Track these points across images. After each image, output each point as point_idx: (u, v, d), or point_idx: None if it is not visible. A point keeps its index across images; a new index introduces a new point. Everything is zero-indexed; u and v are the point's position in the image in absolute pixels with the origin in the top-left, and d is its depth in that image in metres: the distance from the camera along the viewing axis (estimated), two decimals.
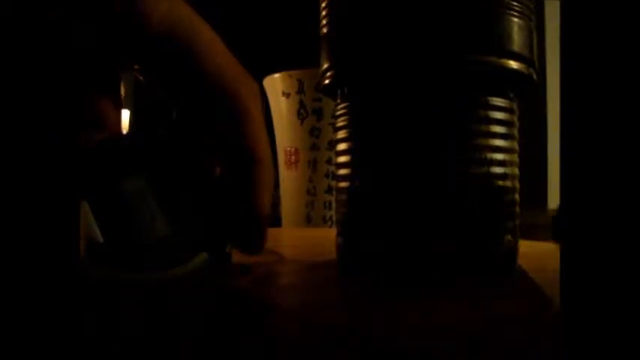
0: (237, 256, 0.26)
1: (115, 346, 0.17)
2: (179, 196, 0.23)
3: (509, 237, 0.30)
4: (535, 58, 0.31)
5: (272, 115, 0.70)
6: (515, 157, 0.31)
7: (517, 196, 0.31)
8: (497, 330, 0.19)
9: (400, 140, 0.29)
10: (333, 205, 0.63)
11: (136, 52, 0.23)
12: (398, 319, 0.20)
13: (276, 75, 0.68)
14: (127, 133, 0.27)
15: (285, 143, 0.69)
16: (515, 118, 0.31)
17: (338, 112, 0.33)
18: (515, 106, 0.31)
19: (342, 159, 0.32)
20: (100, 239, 0.22)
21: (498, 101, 0.30)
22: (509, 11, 0.29)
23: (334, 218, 0.63)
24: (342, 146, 0.32)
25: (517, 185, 0.31)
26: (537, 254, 0.36)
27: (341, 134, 0.33)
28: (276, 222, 0.71)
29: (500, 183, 0.30)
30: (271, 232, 0.25)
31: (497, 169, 0.29)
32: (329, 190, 0.66)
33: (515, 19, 0.29)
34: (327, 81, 0.32)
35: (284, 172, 0.69)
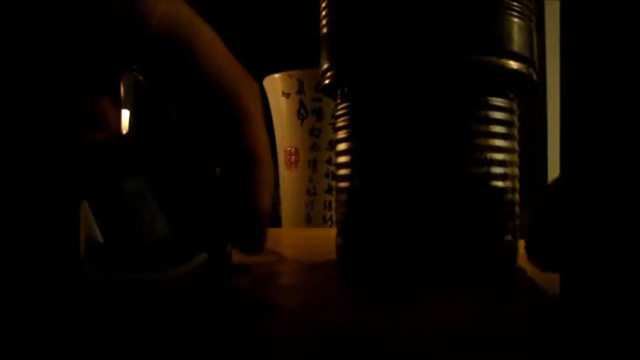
0: (237, 256, 0.26)
1: (115, 346, 0.17)
2: (179, 196, 0.23)
3: (509, 237, 0.30)
4: (535, 58, 0.31)
5: (272, 115, 0.70)
6: (515, 157, 0.31)
7: (517, 196, 0.31)
8: (498, 330, 0.19)
9: (400, 140, 0.29)
10: (333, 205, 0.63)
11: (136, 52, 0.23)
12: (398, 319, 0.20)
13: (276, 75, 0.68)
14: (127, 133, 0.27)
15: (285, 143, 0.69)
16: (515, 118, 0.31)
17: (338, 112, 0.33)
18: (515, 106, 0.31)
19: (342, 159, 0.32)
20: (100, 239, 0.22)
21: (498, 101, 0.30)
22: (509, 11, 0.29)
23: (334, 218, 0.63)
24: (342, 146, 0.32)
25: (517, 185, 0.31)
26: None
27: (341, 134, 0.33)
28: (276, 222, 0.71)
29: (500, 183, 0.30)
30: (271, 232, 0.25)
31: (497, 169, 0.29)
32: (329, 190, 0.66)
33: (515, 19, 0.29)
34: (327, 81, 0.32)
35: (284, 172, 0.69)
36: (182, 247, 0.23)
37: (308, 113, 0.66)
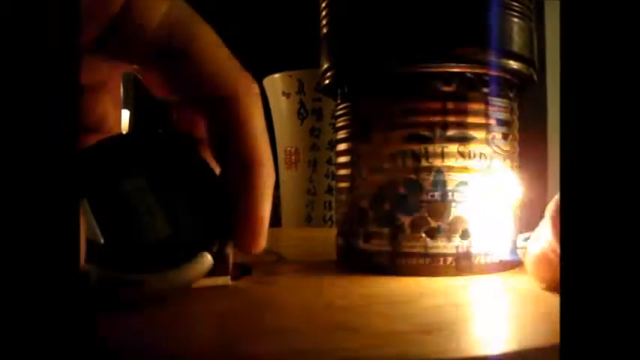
0: (237, 256, 0.26)
1: (115, 345, 0.17)
2: (179, 196, 0.23)
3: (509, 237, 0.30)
4: (535, 58, 0.31)
5: (272, 115, 0.70)
6: (516, 157, 0.31)
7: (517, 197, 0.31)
8: (497, 330, 0.19)
9: (400, 140, 0.29)
10: (333, 205, 0.63)
11: (136, 52, 0.23)
12: (397, 320, 0.20)
13: (276, 75, 0.68)
14: (127, 133, 0.27)
15: (285, 143, 0.69)
16: (515, 118, 0.31)
17: (338, 112, 0.33)
18: (515, 106, 0.31)
19: (342, 159, 0.32)
20: (100, 239, 0.22)
21: (498, 101, 0.30)
22: (509, 11, 0.29)
23: (334, 218, 0.63)
24: (342, 146, 0.32)
25: (517, 185, 0.31)
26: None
27: (341, 134, 0.33)
28: (276, 222, 0.70)
29: (500, 183, 0.30)
30: (271, 232, 0.25)
31: (497, 170, 0.29)
32: (329, 190, 0.66)
33: (515, 19, 0.29)
34: (327, 81, 0.32)
35: (284, 172, 0.69)
36: (182, 247, 0.23)
37: (308, 113, 0.66)
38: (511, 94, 0.31)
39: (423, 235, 0.29)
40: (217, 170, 0.25)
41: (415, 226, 0.29)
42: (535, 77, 0.31)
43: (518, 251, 0.27)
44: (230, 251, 0.25)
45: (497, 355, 0.16)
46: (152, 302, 0.22)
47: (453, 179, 0.29)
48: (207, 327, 0.20)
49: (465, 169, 0.29)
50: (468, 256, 0.29)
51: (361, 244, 0.30)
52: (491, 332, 0.19)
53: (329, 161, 0.66)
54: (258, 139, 0.24)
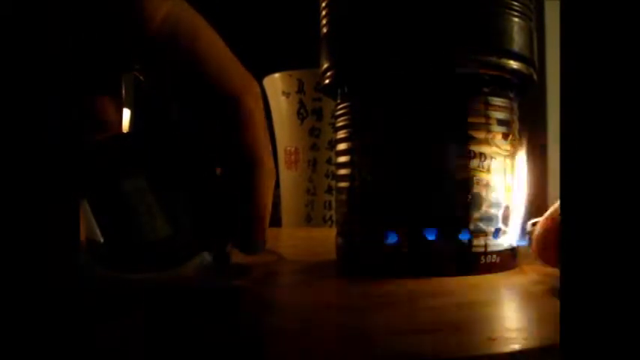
0: (237, 256, 0.26)
1: (115, 345, 0.17)
2: (179, 196, 0.23)
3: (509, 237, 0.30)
4: (535, 58, 0.31)
5: (272, 115, 0.70)
6: (516, 157, 0.31)
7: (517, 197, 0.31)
8: (497, 330, 0.19)
9: (400, 140, 0.29)
10: (333, 205, 0.63)
11: (138, 52, 0.23)
12: (397, 319, 0.20)
13: (276, 75, 0.68)
14: (127, 132, 0.27)
15: (285, 143, 0.69)
16: (516, 118, 0.31)
17: (338, 112, 0.33)
18: (515, 106, 0.31)
19: (342, 159, 0.32)
20: (100, 239, 0.22)
21: (498, 101, 0.30)
22: (509, 11, 0.29)
23: (334, 218, 0.63)
24: (342, 146, 0.32)
25: (517, 185, 0.31)
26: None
27: (341, 134, 0.33)
28: (276, 222, 0.70)
29: (501, 183, 0.30)
30: (271, 232, 0.25)
31: (498, 170, 0.29)
32: (329, 190, 0.66)
33: (515, 19, 0.29)
34: (327, 81, 0.32)
35: (284, 172, 0.69)
36: (182, 247, 0.23)
37: (308, 113, 0.66)
38: (511, 94, 0.31)
39: (425, 234, 0.29)
40: (217, 170, 0.25)
41: (416, 226, 0.29)
42: (535, 77, 0.31)
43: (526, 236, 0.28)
44: (230, 251, 0.25)
45: (497, 355, 0.16)
46: (152, 301, 0.22)
47: (453, 179, 0.29)
48: (207, 327, 0.20)
49: (465, 168, 0.29)
50: (470, 255, 0.29)
51: (361, 244, 0.30)
52: (491, 332, 0.19)
53: (329, 161, 0.66)
54: (259, 138, 0.24)
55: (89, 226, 0.22)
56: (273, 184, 0.25)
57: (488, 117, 0.29)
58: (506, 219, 0.30)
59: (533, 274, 0.29)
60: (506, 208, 0.30)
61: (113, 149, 0.23)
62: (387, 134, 0.30)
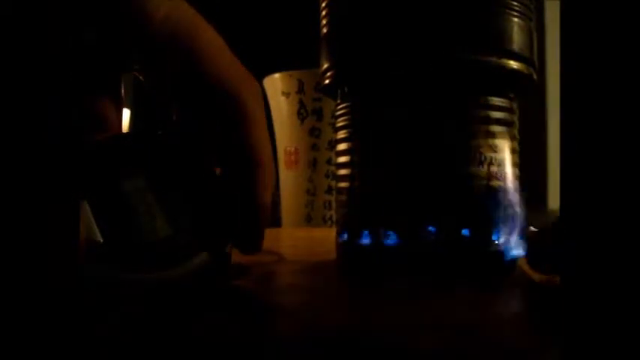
0: (237, 256, 0.26)
1: (115, 345, 0.17)
2: (179, 196, 0.23)
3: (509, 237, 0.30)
4: (535, 58, 0.31)
5: (272, 115, 0.70)
6: (516, 157, 0.31)
7: (517, 196, 0.31)
8: (497, 330, 0.19)
9: (400, 140, 0.29)
10: (333, 205, 0.63)
11: (139, 52, 0.23)
12: (398, 319, 0.20)
13: (276, 75, 0.68)
14: (127, 132, 0.27)
15: (285, 143, 0.69)
16: (516, 118, 0.31)
17: (338, 112, 0.33)
18: (515, 106, 0.31)
19: (342, 159, 0.32)
20: (100, 239, 0.22)
21: (498, 101, 0.30)
22: (509, 11, 0.29)
23: (334, 218, 0.63)
24: (342, 146, 0.32)
25: (517, 185, 0.31)
26: None
27: (341, 134, 0.33)
28: (276, 222, 0.70)
29: (501, 183, 0.30)
30: (271, 232, 0.25)
31: (498, 169, 0.29)
32: (329, 190, 0.66)
33: (515, 19, 0.29)
34: (327, 81, 0.32)
35: (284, 172, 0.69)
36: (182, 247, 0.23)
37: (308, 113, 0.66)
38: (511, 94, 0.31)
39: (425, 234, 0.29)
40: (217, 170, 0.25)
41: (416, 226, 0.29)
42: (535, 77, 0.31)
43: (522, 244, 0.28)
44: (230, 251, 0.25)
45: (497, 355, 0.16)
46: (152, 301, 0.22)
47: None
48: (207, 327, 0.20)
49: (465, 168, 0.29)
50: (470, 254, 0.29)
51: (361, 243, 0.30)
52: (491, 332, 0.19)
53: (329, 161, 0.66)
54: (259, 138, 0.24)
55: (89, 226, 0.22)
56: (272, 184, 0.25)
57: (488, 117, 0.29)
58: (506, 219, 0.30)
59: (533, 274, 0.29)
60: (506, 208, 0.30)
61: (113, 149, 0.23)
62: (387, 134, 0.30)
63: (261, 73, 0.64)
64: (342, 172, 0.32)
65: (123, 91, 0.26)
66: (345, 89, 0.32)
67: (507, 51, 0.29)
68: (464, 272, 0.28)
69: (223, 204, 0.24)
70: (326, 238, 0.39)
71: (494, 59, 0.29)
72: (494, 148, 0.29)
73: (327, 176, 0.66)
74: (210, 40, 0.23)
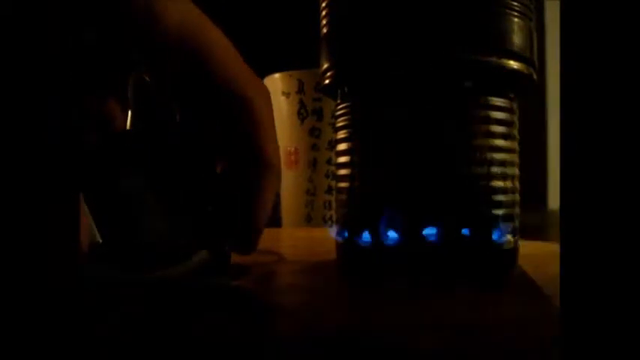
0: (237, 257, 0.26)
1: (115, 345, 0.17)
2: (179, 196, 0.24)
3: (509, 237, 0.30)
4: (535, 58, 0.31)
5: None
6: (516, 157, 0.31)
7: (517, 196, 0.31)
8: (497, 330, 0.19)
9: (400, 140, 0.29)
10: (333, 205, 0.63)
11: (149, 54, 0.23)
12: (398, 319, 0.20)
13: (276, 75, 0.68)
14: (127, 132, 0.27)
15: (285, 143, 0.69)
16: (516, 118, 0.31)
17: (338, 112, 0.33)
18: (515, 106, 0.31)
19: (342, 159, 0.32)
20: (99, 239, 0.22)
21: (498, 101, 0.30)
22: (509, 11, 0.29)
23: (334, 218, 0.63)
24: (342, 146, 0.32)
25: (517, 185, 0.31)
26: (537, 254, 0.36)
27: (341, 134, 0.33)
28: (276, 222, 0.70)
29: (500, 183, 0.30)
30: (271, 232, 0.25)
31: (497, 169, 0.29)
32: (329, 190, 0.66)
33: (515, 19, 0.29)
34: (327, 81, 0.32)
35: (284, 172, 0.69)
36: (182, 247, 0.23)
37: (308, 113, 0.66)
38: (511, 94, 0.31)
39: (425, 234, 0.29)
40: (218, 169, 0.25)
41: (416, 226, 0.29)
42: (535, 77, 0.31)
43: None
44: (229, 251, 0.25)
45: (497, 355, 0.16)
46: (152, 301, 0.22)
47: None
48: (207, 327, 0.20)
49: (465, 168, 0.29)
50: (470, 254, 0.29)
51: (361, 243, 0.30)
52: (492, 332, 0.19)
53: (329, 161, 0.66)
54: (269, 138, 0.24)
55: (89, 226, 0.22)
56: (279, 184, 0.25)
57: (488, 117, 0.29)
58: (506, 220, 0.30)
59: (533, 274, 0.29)
60: (506, 208, 0.30)
61: (113, 149, 0.24)
62: (387, 134, 0.30)
63: (261, 73, 0.64)
64: (342, 172, 0.32)
65: (129, 92, 0.26)
66: (345, 89, 0.32)
67: (507, 51, 0.29)
68: (464, 272, 0.28)
69: (223, 204, 0.24)
70: (326, 238, 0.39)
71: (494, 59, 0.29)
72: (494, 148, 0.29)
73: (327, 176, 0.66)
74: (222, 44, 0.23)
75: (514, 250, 0.31)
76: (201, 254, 0.23)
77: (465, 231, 0.29)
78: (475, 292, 0.26)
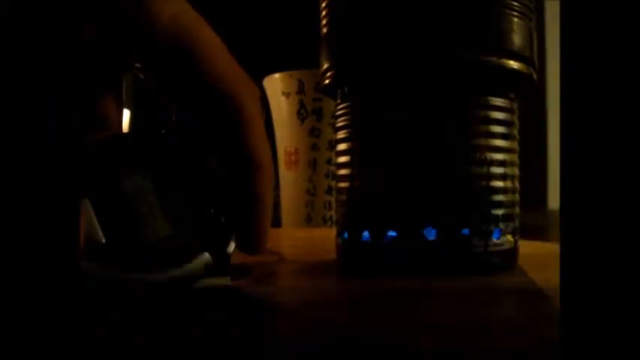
0: (237, 257, 0.26)
1: (115, 345, 0.17)
2: (180, 196, 0.24)
3: (509, 237, 0.30)
4: (535, 58, 0.31)
5: (272, 115, 0.70)
6: (516, 157, 0.31)
7: (517, 196, 0.31)
8: (497, 330, 0.19)
9: (400, 140, 0.29)
10: (333, 205, 0.63)
11: (142, 51, 0.23)
12: (398, 319, 0.20)
13: (276, 75, 0.68)
14: (129, 132, 0.27)
15: (285, 143, 0.69)
16: (515, 118, 0.31)
17: (338, 112, 0.33)
18: (515, 106, 0.31)
19: (342, 159, 0.32)
20: (102, 238, 0.22)
21: (498, 101, 0.30)
22: (509, 11, 0.29)
23: (334, 218, 0.63)
24: (342, 146, 0.32)
25: (517, 185, 0.31)
26: (537, 254, 0.36)
27: (341, 134, 0.33)
28: (276, 222, 0.70)
29: (500, 183, 0.30)
30: (271, 232, 0.25)
31: (497, 169, 0.29)
32: (329, 190, 0.66)
33: (515, 19, 0.29)
34: (327, 81, 0.32)
35: (284, 172, 0.69)
36: (182, 247, 0.23)
37: (308, 113, 0.66)
38: (511, 94, 0.31)
39: (425, 234, 0.29)
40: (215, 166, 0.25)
41: (416, 226, 0.29)
42: (535, 77, 0.31)
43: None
44: (230, 251, 0.25)
45: (497, 355, 0.16)
46: (152, 301, 0.22)
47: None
48: (207, 327, 0.20)
49: (465, 168, 0.29)
50: (470, 254, 0.29)
51: (361, 243, 0.30)
52: (492, 332, 0.19)
53: (329, 161, 0.66)
54: (258, 139, 0.24)
55: (91, 225, 0.22)
56: (272, 185, 0.25)
57: (488, 117, 0.29)
58: (506, 219, 0.30)
59: (534, 274, 0.29)
60: (506, 208, 0.30)
61: (114, 149, 0.24)
62: (387, 134, 0.30)
63: (261, 73, 0.64)
64: (342, 172, 0.32)
65: (124, 90, 0.26)
66: (345, 89, 0.32)
67: (507, 51, 0.29)
68: (464, 272, 0.28)
69: (224, 204, 0.24)
70: (326, 238, 0.39)
71: (494, 59, 0.29)
72: (494, 149, 0.29)
73: (327, 176, 0.66)
74: (209, 40, 0.23)
75: (514, 250, 0.31)
76: (202, 255, 0.23)
77: (464, 231, 0.29)
78: (475, 292, 0.26)
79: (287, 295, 0.26)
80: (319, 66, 0.33)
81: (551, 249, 0.38)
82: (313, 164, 0.67)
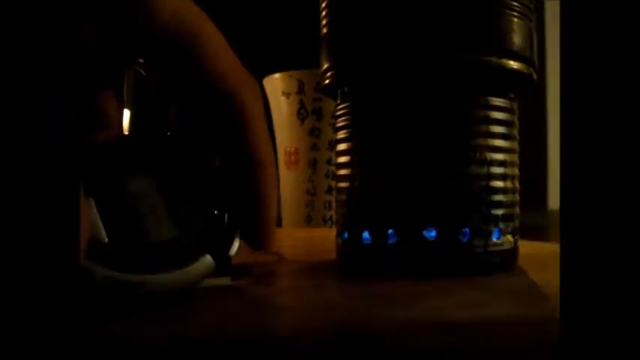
0: (237, 256, 0.26)
1: (115, 345, 0.17)
2: (182, 197, 0.24)
3: (509, 237, 0.30)
4: (535, 58, 0.31)
5: (272, 115, 0.70)
6: (516, 157, 0.31)
7: (517, 196, 0.31)
8: (497, 330, 0.19)
9: (400, 140, 0.29)
10: (333, 205, 0.63)
11: (143, 47, 0.23)
12: (398, 319, 0.20)
13: (276, 75, 0.68)
14: (133, 133, 0.27)
15: (285, 143, 0.69)
16: (515, 118, 0.31)
17: (338, 112, 0.33)
18: (515, 106, 0.31)
19: (342, 159, 0.32)
20: (104, 239, 0.22)
21: (498, 101, 0.30)
22: (509, 11, 0.29)
23: (334, 218, 0.63)
24: (342, 146, 0.32)
25: (517, 185, 0.31)
26: (537, 254, 0.36)
27: (341, 134, 0.33)
28: (277, 222, 0.70)
29: (500, 183, 0.30)
30: None
31: (497, 169, 0.29)
32: (329, 190, 0.66)
33: (515, 19, 0.29)
34: (327, 81, 0.32)
35: (284, 172, 0.69)
36: (185, 249, 0.23)
37: (308, 113, 0.66)
38: (511, 94, 0.31)
39: (425, 234, 0.29)
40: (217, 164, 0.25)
41: (416, 226, 0.29)
42: (535, 77, 0.31)
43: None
44: (234, 253, 0.25)
45: (497, 355, 0.16)
46: (154, 303, 0.22)
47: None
48: (207, 327, 0.20)
49: (465, 168, 0.29)
50: (470, 255, 0.29)
51: (361, 244, 0.30)
52: (492, 332, 0.19)
53: (329, 161, 0.66)
54: (260, 138, 0.24)
55: (94, 226, 0.22)
56: (275, 183, 0.25)
57: (488, 117, 0.29)
58: (506, 219, 0.30)
59: (534, 274, 0.29)
60: (506, 208, 0.30)
61: (116, 149, 0.24)
62: (387, 134, 0.30)
63: (261, 73, 0.64)
64: (342, 172, 0.32)
65: (125, 88, 0.26)
66: (345, 89, 0.32)
67: (507, 51, 0.29)
68: (464, 272, 0.28)
69: (227, 205, 0.24)
70: (326, 238, 0.39)
71: (494, 59, 0.29)
72: (494, 149, 0.29)
73: (327, 176, 0.66)
74: (215, 40, 0.23)
75: (514, 250, 0.31)
76: (204, 256, 0.23)
77: (464, 231, 0.29)
78: (475, 292, 0.26)
79: (287, 295, 0.26)
80: (319, 66, 0.33)
81: (551, 249, 0.38)
82: (313, 164, 0.66)
